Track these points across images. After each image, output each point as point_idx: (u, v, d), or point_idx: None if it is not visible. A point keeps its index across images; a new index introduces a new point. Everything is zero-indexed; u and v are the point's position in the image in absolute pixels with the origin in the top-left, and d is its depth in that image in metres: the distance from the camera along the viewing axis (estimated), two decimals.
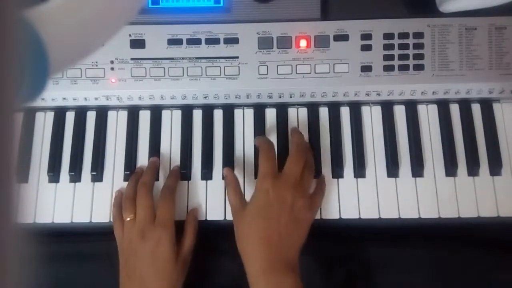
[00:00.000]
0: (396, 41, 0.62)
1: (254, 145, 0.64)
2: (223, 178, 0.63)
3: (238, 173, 0.63)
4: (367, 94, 0.63)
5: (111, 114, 0.66)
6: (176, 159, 0.63)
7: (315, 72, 0.62)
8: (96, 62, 0.62)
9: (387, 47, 0.62)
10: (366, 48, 0.61)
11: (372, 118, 0.65)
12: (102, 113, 0.65)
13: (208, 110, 0.65)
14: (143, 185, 0.59)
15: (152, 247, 0.55)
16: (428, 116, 0.65)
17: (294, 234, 0.54)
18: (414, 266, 0.61)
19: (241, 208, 0.56)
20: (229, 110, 0.65)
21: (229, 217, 0.60)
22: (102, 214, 0.61)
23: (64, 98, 0.63)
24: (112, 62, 0.62)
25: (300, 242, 0.54)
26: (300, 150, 0.59)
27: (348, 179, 0.63)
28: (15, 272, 0.19)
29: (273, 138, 0.64)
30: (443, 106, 0.65)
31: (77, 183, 0.63)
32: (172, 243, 0.56)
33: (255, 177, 0.62)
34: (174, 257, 0.55)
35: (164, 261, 0.55)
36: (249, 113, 0.65)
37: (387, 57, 0.61)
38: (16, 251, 0.19)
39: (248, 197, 0.61)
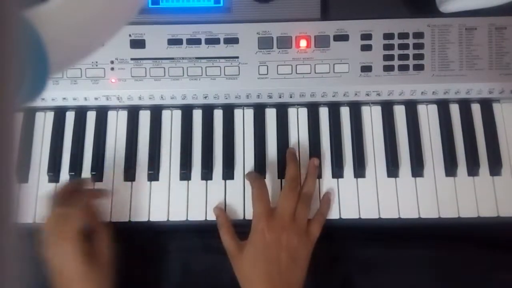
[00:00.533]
0: (396, 41, 0.62)
1: (255, 145, 0.64)
2: (223, 178, 0.63)
3: (238, 174, 0.63)
4: (367, 94, 0.63)
5: (111, 114, 0.66)
6: (176, 159, 0.63)
7: (315, 72, 0.62)
8: (96, 62, 0.62)
9: (387, 47, 0.62)
10: (366, 48, 0.61)
11: (372, 118, 0.65)
12: (102, 113, 0.65)
13: (208, 110, 0.65)
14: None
15: (60, 261, 0.53)
16: (428, 116, 0.65)
17: (295, 271, 0.55)
18: (414, 266, 0.61)
19: (239, 251, 0.56)
20: (229, 110, 0.65)
21: (229, 217, 0.60)
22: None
23: (64, 98, 0.63)
24: (112, 62, 0.62)
25: (302, 278, 0.55)
26: (292, 186, 0.58)
27: (348, 179, 0.63)
28: (14, 272, 0.19)
29: (273, 138, 0.64)
30: (443, 106, 0.65)
31: None
32: (81, 252, 0.53)
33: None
34: (87, 263, 0.53)
35: (77, 268, 0.53)
36: (249, 113, 0.65)
37: (387, 57, 0.61)
38: (15, 251, 0.19)
39: (248, 197, 0.61)
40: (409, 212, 0.61)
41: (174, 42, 0.62)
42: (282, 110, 0.65)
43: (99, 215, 0.59)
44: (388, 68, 0.61)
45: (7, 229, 0.19)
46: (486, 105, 0.65)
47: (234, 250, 0.57)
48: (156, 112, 0.65)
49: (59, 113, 0.65)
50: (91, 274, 0.53)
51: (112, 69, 0.62)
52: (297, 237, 0.55)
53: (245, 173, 0.63)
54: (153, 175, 0.63)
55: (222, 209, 0.61)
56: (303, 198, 0.58)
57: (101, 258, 0.55)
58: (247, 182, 0.62)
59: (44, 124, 0.65)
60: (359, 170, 0.62)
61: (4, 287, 0.18)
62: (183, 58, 0.62)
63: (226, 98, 0.64)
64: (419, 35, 0.61)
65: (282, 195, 0.58)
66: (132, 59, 0.62)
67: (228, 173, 0.63)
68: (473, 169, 0.62)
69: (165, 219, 0.61)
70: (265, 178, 0.62)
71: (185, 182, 0.63)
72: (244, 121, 0.65)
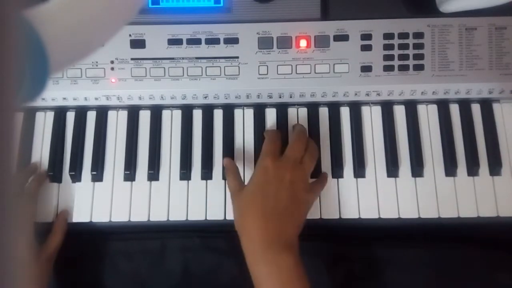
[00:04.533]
0: (396, 41, 0.62)
1: (255, 145, 0.64)
2: (223, 178, 0.63)
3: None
4: (367, 94, 0.63)
5: (111, 114, 0.66)
6: (176, 159, 0.63)
7: (315, 72, 0.62)
8: (96, 62, 0.62)
9: (387, 47, 0.62)
10: (366, 48, 0.61)
11: (372, 118, 0.65)
12: (102, 113, 0.65)
13: (208, 110, 0.65)
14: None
15: None
16: (428, 116, 0.65)
17: (292, 212, 0.53)
18: (414, 266, 0.61)
19: (240, 189, 0.56)
20: (229, 110, 0.65)
21: (229, 217, 0.60)
22: (102, 214, 0.61)
23: (64, 98, 0.63)
24: (112, 62, 0.62)
25: (299, 222, 0.54)
26: (302, 137, 0.59)
27: (348, 179, 0.63)
28: (14, 273, 0.19)
29: None
30: (443, 106, 0.65)
31: (77, 183, 0.63)
32: (28, 245, 0.55)
33: None
34: (30, 258, 0.55)
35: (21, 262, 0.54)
36: (249, 113, 0.65)
37: (387, 57, 0.61)
38: (15, 251, 0.19)
39: None
40: (409, 212, 0.61)
41: (174, 42, 0.62)
42: (282, 110, 0.65)
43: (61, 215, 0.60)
44: (388, 68, 0.61)
45: (8, 229, 0.19)
46: (486, 105, 0.65)
47: (235, 188, 0.57)
48: (156, 112, 0.65)
49: (59, 113, 0.65)
50: (30, 270, 0.55)
51: (112, 69, 0.62)
52: (300, 180, 0.55)
53: (245, 173, 0.63)
54: (153, 175, 0.63)
55: (230, 159, 0.62)
56: (310, 149, 0.59)
57: (45, 254, 0.57)
58: (246, 182, 0.62)
59: (44, 124, 0.65)
60: (359, 170, 0.62)
61: None
62: (183, 58, 0.62)
63: (226, 98, 0.64)
64: (419, 35, 0.61)
65: (290, 144, 0.58)
66: (132, 59, 0.62)
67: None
68: (473, 169, 0.62)
69: (165, 219, 0.61)
70: None
71: (185, 182, 0.63)
72: (244, 121, 0.65)
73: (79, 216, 0.61)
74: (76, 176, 0.63)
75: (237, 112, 0.65)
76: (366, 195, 0.62)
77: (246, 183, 0.62)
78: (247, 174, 0.63)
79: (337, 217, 0.61)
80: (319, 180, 0.61)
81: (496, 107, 0.65)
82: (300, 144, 0.58)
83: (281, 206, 0.52)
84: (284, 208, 0.52)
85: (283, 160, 0.56)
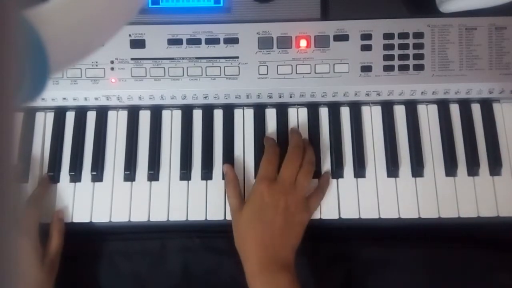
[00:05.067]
0: (396, 41, 0.62)
1: (255, 145, 0.64)
2: (223, 178, 0.63)
3: (238, 173, 0.63)
4: (367, 94, 0.63)
5: (111, 114, 0.65)
6: (176, 159, 0.63)
7: (315, 72, 0.62)
8: (96, 62, 0.62)
9: (387, 47, 0.62)
10: (366, 48, 0.61)
11: (372, 118, 0.65)
12: (102, 113, 0.65)
13: (208, 110, 0.65)
14: None
15: None
16: (428, 116, 0.65)
17: (288, 235, 0.55)
18: (414, 266, 0.61)
19: (239, 209, 0.57)
20: (229, 110, 0.65)
21: (229, 217, 0.60)
22: (102, 214, 0.61)
23: (64, 98, 0.63)
24: (112, 62, 0.62)
25: (295, 243, 0.56)
26: (296, 152, 0.59)
27: (348, 179, 0.63)
28: (14, 273, 0.19)
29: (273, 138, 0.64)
30: (443, 106, 0.65)
31: (77, 183, 0.63)
32: (34, 249, 0.56)
33: (255, 177, 0.62)
34: (37, 262, 0.55)
35: (28, 267, 0.55)
36: (249, 113, 0.65)
37: (387, 57, 0.61)
38: (15, 252, 0.19)
39: (247, 195, 0.61)
40: (409, 212, 0.61)
41: (174, 42, 0.62)
42: (282, 110, 0.65)
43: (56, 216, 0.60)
44: (388, 68, 0.61)
45: (8, 229, 0.19)
46: (486, 105, 0.65)
47: (236, 207, 0.58)
48: (156, 112, 0.65)
49: (59, 113, 0.65)
50: (37, 274, 0.55)
51: (112, 69, 0.62)
52: (295, 204, 0.56)
53: (245, 173, 0.63)
54: (153, 175, 0.63)
55: (231, 166, 0.62)
56: (305, 166, 0.59)
57: (48, 257, 0.57)
58: (246, 182, 0.62)
59: (44, 124, 0.65)
60: (359, 170, 0.62)
61: None
62: (183, 58, 0.62)
63: (226, 98, 0.64)
64: (419, 35, 0.61)
65: (285, 161, 0.59)
66: (132, 59, 0.62)
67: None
68: (473, 169, 0.62)
69: (165, 219, 0.61)
70: None
71: (185, 182, 0.63)
72: (244, 121, 0.65)
73: (79, 216, 0.61)
74: (76, 176, 0.63)
75: (237, 112, 0.65)
76: (366, 195, 0.62)
77: (246, 182, 0.62)
78: (247, 174, 0.63)
79: (337, 217, 0.61)
80: (317, 191, 0.60)
81: (496, 107, 0.65)
82: (294, 163, 0.59)
83: (277, 232, 0.55)
84: (280, 233, 0.55)
85: (277, 184, 0.57)
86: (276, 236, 0.54)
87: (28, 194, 0.61)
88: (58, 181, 0.63)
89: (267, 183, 0.57)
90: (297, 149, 0.60)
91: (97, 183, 0.63)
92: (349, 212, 0.61)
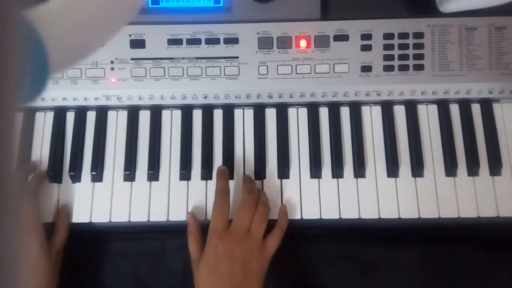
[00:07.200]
0: (396, 41, 0.62)
1: (254, 145, 0.64)
2: None
3: (238, 173, 0.63)
4: (367, 94, 0.63)
5: (111, 114, 0.65)
6: (176, 159, 0.63)
7: (315, 72, 0.62)
8: (96, 62, 0.62)
9: (387, 47, 0.62)
10: (366, 48, 0.61)
11: (372, 118, 0.65)
12: (102, 113, 0.65)
13: (208, 110, 0.65)
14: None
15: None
16: (428, 116, 0.65)
17: (247, 284, 0.54)
18: (414, 266, 0.61)
19: (198, 258, 0.56)
20: (229, 110, 0.65)
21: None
22: (102, 214, 0.61)
23: (64, 98, 0.63)
24: (112, 62, 0.62)
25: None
26: (249, 198, 0.58)
27: (348, 179, 0.63)
28: (15, 274, 0.19)
29: (273, 138, 0.64)
30: (443, 106, 0.65)
31: (77, 183, 0.63)
32: (41, 244, 0.56)
33: (255, 178, 0.62)
34: (44, 256, 0.56)
35: (36, 257, 0.55)
36: (249, 113, 0.65)
37: (387, 57, 0.61)
38: (16, 252, 0.19)
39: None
40: (409, 212, 0.61)
41: (174, 42, 0.62)
42: (282, 110, 0.65)
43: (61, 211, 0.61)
44: (388, 68, 0.61)
45: (8, 230, 0.19)
46: (486, 105, 0.65)
47: (195, 254, 0.57)
48: (156, 112, 0.65)
49: (59, 113, 0.65)
50: (42, 268, 0.55)
51: (112, 69, 0.62)
52: (250, 251, 0.55)
53: (245, 173, 0.63)
54: (153, 175, 0.63)
55: (194, 216, 0.60)
56: (260, 211, 0.58)
57: (52, 253, 0.57)
58: None
59: (44, 124, 0.65)
60: (359, 170, 0.62)
61: None
62: (183, 58, 0.62)
63: (226, 98, 0.64)
64: (419, 35, 0.61)
65: (238, 211, 0.58)
66: (132, 59, 0.62)
67: (228, 173, 0.63)
68: (473, 169, 0.62)
69: (165, 219, 0.61)
70: (264, 178, 0.62)
71: (185, 182, 0.63)
72: (244, 121, 0.65)
73: (79, 216, 0.61)
74: (75, 176, 0.63)
75: (237, 112, 0.65)
76: (366, 195, 0.62)
77: (240, 182, 0.62)
78: (247, 174, 0.63)
79: (337, 217, 0.61)
80: (274, 233, 0.58)
81: (496, 107, 0.65)
82: (246, 212, 0.57)
83: (237, 282, 0.53)
84: (239, 284, 0.53)
85: (230, 234, 0.56)
86: (236, 286, 0.53)
87: (23, 188, 0.60)
88: (58, 181, 0.63)
89: (219, 233, 0.55)
90: (250, 195, 0.59)
91: (97, 183, 0.63)
92: (349, 212, 0.61)
